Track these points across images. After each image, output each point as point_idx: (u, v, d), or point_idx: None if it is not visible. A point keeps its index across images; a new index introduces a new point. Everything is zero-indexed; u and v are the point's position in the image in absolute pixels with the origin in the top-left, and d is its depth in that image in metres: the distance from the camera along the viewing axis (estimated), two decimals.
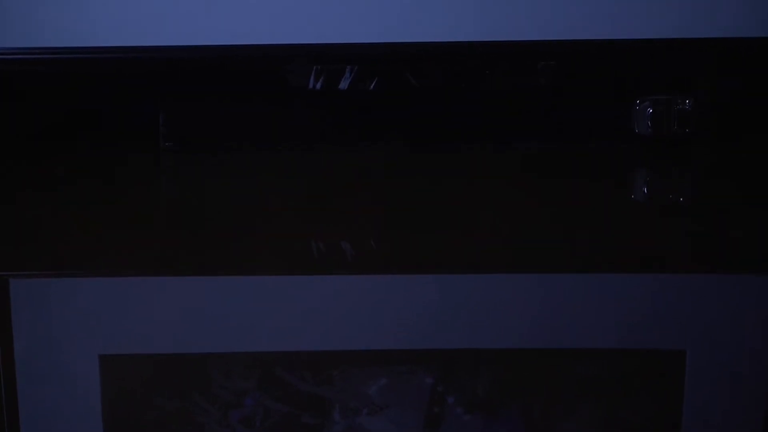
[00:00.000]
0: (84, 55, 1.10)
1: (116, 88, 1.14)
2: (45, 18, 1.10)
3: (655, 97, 1.13)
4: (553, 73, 1.13)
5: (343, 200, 1.05)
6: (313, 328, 0.82)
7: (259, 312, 0.84)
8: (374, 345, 0.82)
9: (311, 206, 1.04)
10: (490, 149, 1.16)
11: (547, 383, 0.78)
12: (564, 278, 0.88)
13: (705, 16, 1.10)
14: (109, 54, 1.10)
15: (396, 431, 0.76)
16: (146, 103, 1.15)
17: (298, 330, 0.82)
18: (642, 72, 1.14)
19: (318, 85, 1.13)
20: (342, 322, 0.83)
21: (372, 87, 1.13)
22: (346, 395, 0.77)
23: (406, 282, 0.88)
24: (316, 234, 0.96)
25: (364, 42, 1.11)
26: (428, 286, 0.87)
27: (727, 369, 0.79)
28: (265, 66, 1.13)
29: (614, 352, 0.80)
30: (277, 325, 0.83)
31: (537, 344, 0.81)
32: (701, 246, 0.96)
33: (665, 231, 0.99)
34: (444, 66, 1.13)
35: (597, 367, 0.79)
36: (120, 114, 1.15)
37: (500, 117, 1.15)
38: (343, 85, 1.13)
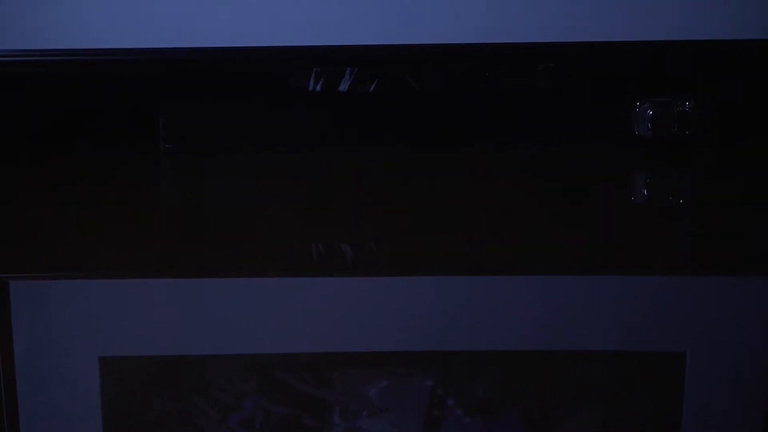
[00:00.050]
0: (84, 57, 1.10)
1: (116, 90, 1.14)
2: (45, 20, 1.10)
3: (655, 99, 1.13)
4: (553, 75, 1.13)
5: (343, 202, 1.05)
6: (313, 329, 0.82)
7: (258, 314, 0.84)
8: (374, 347, 0.82)
9: (311, 208, 1.04)
10: (490, 151, 1.16)
11: (547, 385, 0.78)
12: (564, 280, 0.88)
13: (705, 18, 1.10)
14: (109, 56, 1.10)
15: None
16: (146, 105, 1.14)
17: (298, 332, 0.82)
18: (642, 74, 1.14)
19: (318, 87, 1.13)
20: (342, 324, 0.83)
21: (372, 89, 1.13)
22: (346, 397, 0.77)
23: (407, 284, 0.88)
24: (316, 236, 0.96)
25: (365, 44, 1.11)
26: (428, 288, 0.87)
27: (727, 371, 0.79)
28: (265, 68, 1.13)
29: (614, 353, 0.80)
30: (276, 327, 0.83)
31: (537, 346, 0.81)
32: (701, 247, 0.96)
33: (665, 233, 0.99)
34: (444, 68, 1.13)
35: (597, 368, 0.79)
36: (120, 116, 1.15)
37: (500, 119, 1.15)
38: (343, 87, 1.13)
